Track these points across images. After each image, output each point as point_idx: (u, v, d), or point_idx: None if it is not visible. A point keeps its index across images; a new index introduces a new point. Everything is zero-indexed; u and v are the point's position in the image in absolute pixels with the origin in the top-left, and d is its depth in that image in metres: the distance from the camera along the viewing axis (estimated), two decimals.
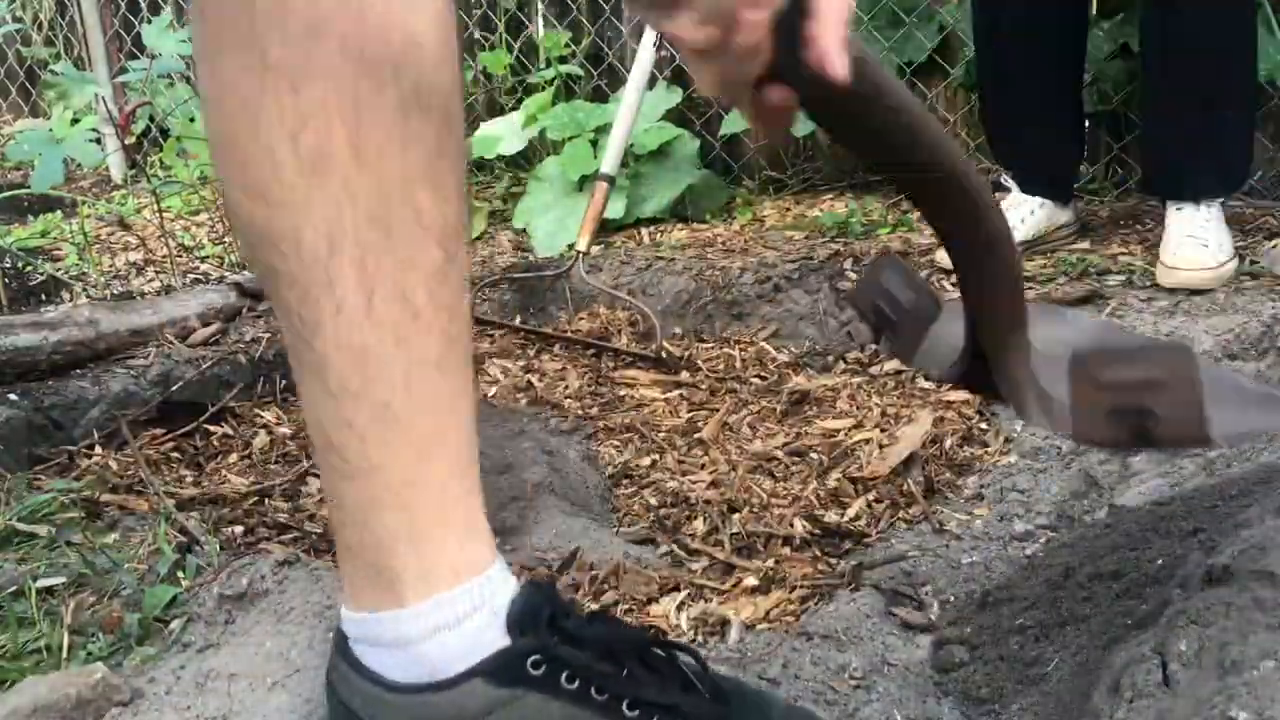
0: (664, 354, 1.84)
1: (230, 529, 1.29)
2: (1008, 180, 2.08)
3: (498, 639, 0.72)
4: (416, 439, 0.71)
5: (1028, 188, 2.03)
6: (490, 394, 1.72)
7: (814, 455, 1.47)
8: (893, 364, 1.77)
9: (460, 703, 0.72)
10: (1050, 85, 1.99)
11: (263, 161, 0.64)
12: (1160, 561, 1.01)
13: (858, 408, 1.61)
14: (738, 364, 1.84)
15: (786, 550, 1.23)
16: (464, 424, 0.73)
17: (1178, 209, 1.84)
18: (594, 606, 1.09)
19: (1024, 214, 2.01)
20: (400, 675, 0.73)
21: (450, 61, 0.67)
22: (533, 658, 0.72)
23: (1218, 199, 1.85)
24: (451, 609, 0.72)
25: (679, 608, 1.10)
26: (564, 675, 0.73)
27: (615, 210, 2.35)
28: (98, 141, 2.59)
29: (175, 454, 1.53)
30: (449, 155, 0.68)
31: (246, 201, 0.66)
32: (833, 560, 1.21)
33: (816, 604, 1.10)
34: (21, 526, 1.19)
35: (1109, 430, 0.81)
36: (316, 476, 1.45)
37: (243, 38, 0.62)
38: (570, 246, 2.30)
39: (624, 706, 0.73)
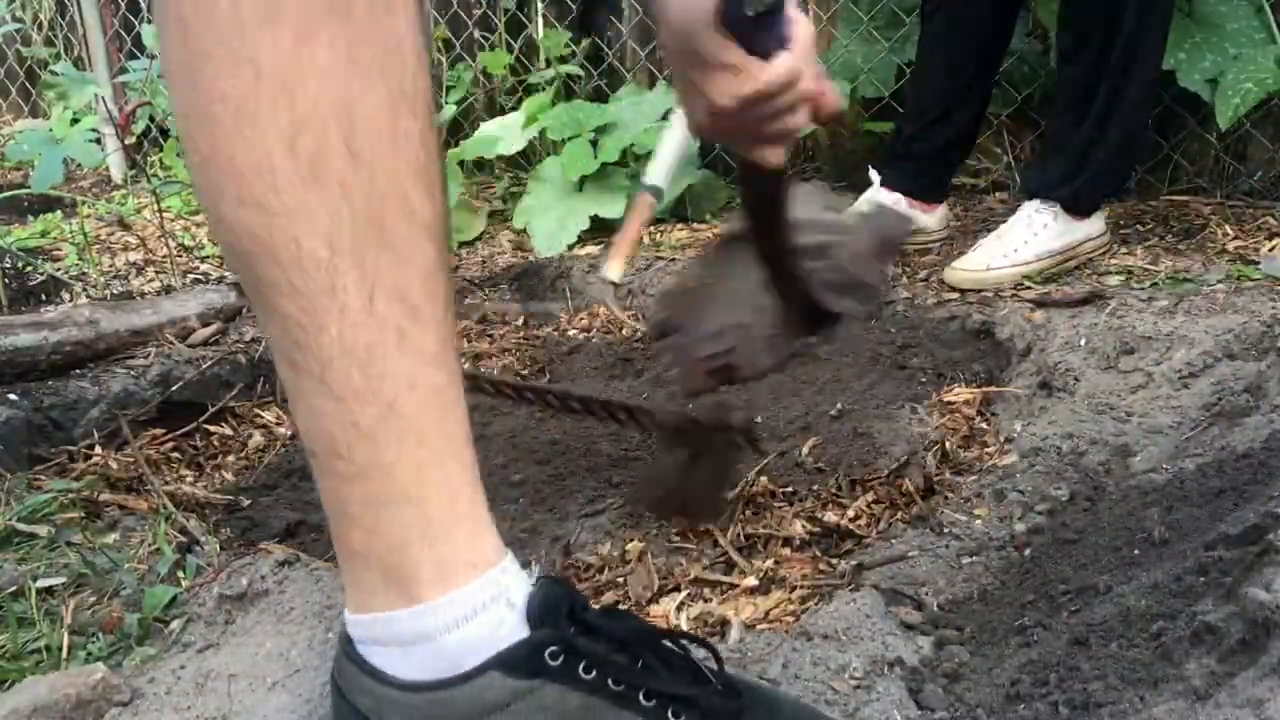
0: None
1: (230, 529, 1.29)
2: (873, 173, 2.10)
3: (516, 631, 0.73)
4: (423, 434, 0.71)
5: (887, 180, 2.06)
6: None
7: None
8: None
9: (478, 695, 0.72)
10: (952, 89, 1.99)
11: (259, 170, 0.64)
12: (1161, 563, 1.01)
13: None
14: None
15: (786, 550, 1.23)
16: (462, 416, 0.74)
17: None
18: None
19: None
20: (413, 673, 0.73)
21: (426, 60, 0.68)
22: (551, 648, 0.73)
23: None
24: (469, 601, 0.72)
25: (679, 608, 1.10)
26: (581, 666, 0.73)
27: (615, 210, 2.35)
28: (98, 141, 2.59)
29: (175, 454, 1.54)
30: (432, 152, 0.69)
31: (241, 212, 0.66)
32: (833, 560, 1.21)
33: (816, 604, 1.10)
34: (21, 526, 1.19)
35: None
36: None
37: (232, 49, 0.62)
38: (570, 248, 2.30)
39: (640, 697, 0.74)
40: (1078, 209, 1.87)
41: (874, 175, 2.11)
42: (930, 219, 2.08)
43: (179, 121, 0.67)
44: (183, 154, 0.70)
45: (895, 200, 2.04)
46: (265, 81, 0.62)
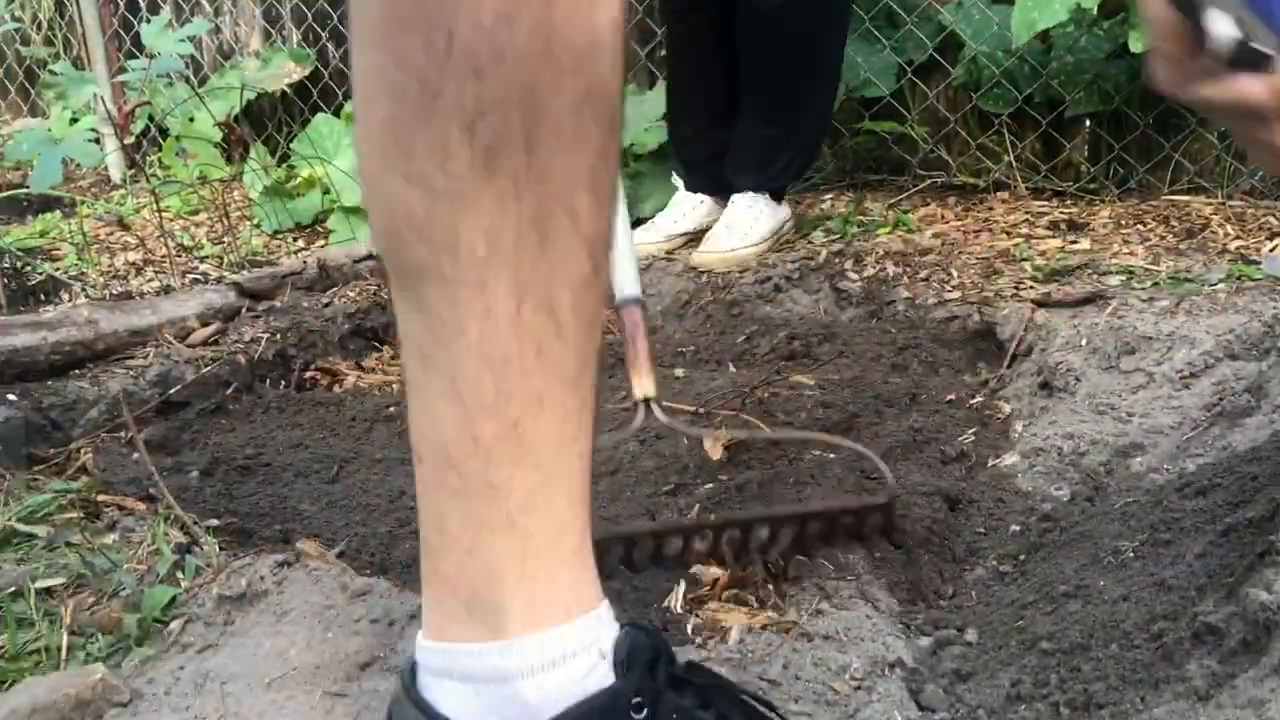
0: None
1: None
2: (676, 179, 2.34)
3: (601, 680, 0.68)
4: (542, 462, 0.66)
5: (691, 185, 2.31)
6: None
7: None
8: None
9: None
10: (715, 92, 2.25)
11: (433, 148, 0.60)
12: (1161, 563, 1.01)
13: None
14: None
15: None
16: (586, 448, 0.69)
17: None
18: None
19: (686, 209, 2.29)
20: (485, 714, 0.68)
21: (622, 64, 0.64)
22: (636, 700, 0.68)
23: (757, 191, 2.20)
24: (558, 647, 0.67)
25: (680, 608, 1.10)
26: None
27: None
28: (97, 141, 2.59)
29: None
30: (610, 160, 0.65)
31: (405, 189, 0.62)
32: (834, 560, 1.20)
33: (817, 604, 1.09)
34: (21, 527, 1.19)
35: None
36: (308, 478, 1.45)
37: (429, 17, 0.58)
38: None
39: None
40: (777, 195, 2.24)
41: (677, 181, 2.33)
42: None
43: (358, 82, 0.63)
44: (354, 117, 0.65)
45: (701, 200, 2.28)
46: (456, 58, 0.58)
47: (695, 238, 2.25)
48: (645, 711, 0.68)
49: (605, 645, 0.69)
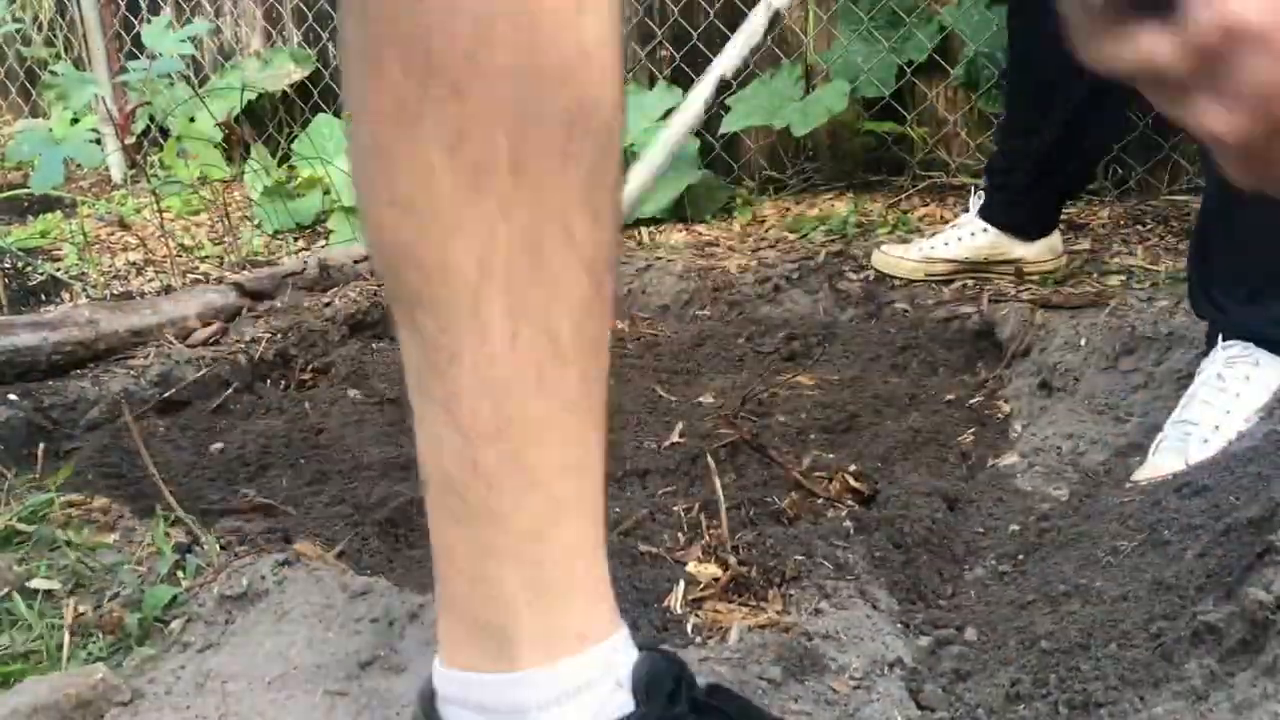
0: None
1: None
2: (974, 198, 1.97)
3: (620, 709, 0.66)
4: (549, 489, 0.64)
5: (984, 211, 1.93)
6: None
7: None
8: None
9: None
10: (1047, 114, 1.79)
11: (416, 172, 0.59)
12: (1161, 563, 1.01)
13: None
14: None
15: (785, 550, 1.23)
16: (597, 474, 0.67)
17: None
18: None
19: (963, 234, 1.92)
20: None
21: (616, 78, 0.62)
22: None
23: None
24: (572, 679, 0.65)
25: (680, 608, 1.10)
26: None
27: None
28: (98, 142, 2.59)
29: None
30: (607, 177, 0.63)
31: (393, 215, 0.61)
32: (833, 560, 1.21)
33: (817, 604, 1.10)
34: (21, 526, 1.19)
35: None
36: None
37: (406, 36, 0.57)
38: None
39: None
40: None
41: (973, 199, 1.98)
42: (1033, 250, 1.89)
43: (347, 108, 0.62)
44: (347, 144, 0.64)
45: (984, 229, 1.91)
46: (435, 78, 0.57)
47: (960, 268, 1.92)
48: None
49: (623, 673, 0.67)
